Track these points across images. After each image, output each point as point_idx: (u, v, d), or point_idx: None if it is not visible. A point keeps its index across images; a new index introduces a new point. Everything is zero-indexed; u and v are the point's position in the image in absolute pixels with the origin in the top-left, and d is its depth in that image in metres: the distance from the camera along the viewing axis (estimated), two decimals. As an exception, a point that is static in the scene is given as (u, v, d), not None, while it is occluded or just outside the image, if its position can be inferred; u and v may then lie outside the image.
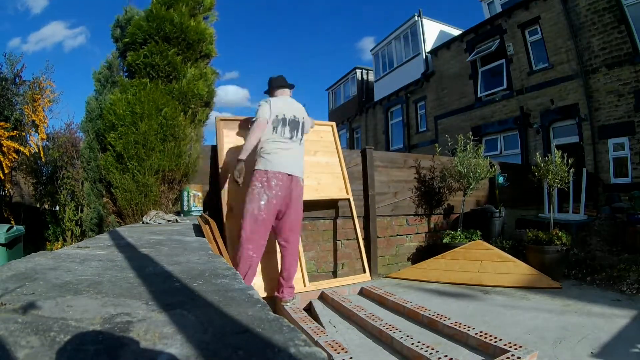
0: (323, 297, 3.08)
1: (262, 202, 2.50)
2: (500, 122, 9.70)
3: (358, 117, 16.25)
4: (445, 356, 1.81)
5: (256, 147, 2.67)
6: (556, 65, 8.25)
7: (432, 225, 4.72)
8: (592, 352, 1.98)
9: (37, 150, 5.64)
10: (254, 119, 2.68)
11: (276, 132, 2.66)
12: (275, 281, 2.91)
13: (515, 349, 1.85)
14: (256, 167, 2.59)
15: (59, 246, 5.09)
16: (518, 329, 2.34)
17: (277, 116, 2.67)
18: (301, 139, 2.82)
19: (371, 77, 16.11)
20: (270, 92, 2.93)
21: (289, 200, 2.62)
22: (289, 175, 2.60)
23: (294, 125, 2.75)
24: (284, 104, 2.78)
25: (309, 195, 3.52)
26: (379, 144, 14.14)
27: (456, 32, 12.15)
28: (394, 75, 13.78)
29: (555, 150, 4.40)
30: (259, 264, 2.95)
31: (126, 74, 3.41)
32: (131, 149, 2.91)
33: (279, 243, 2.79)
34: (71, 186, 5.91)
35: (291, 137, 2.71)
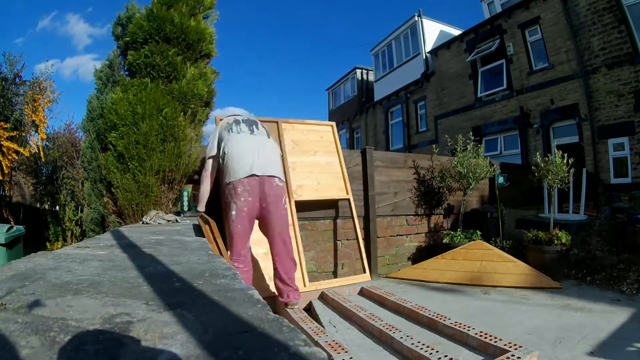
0: (323, 297, 3.08)
1: (233, 212, 2.33)
2: (500, 122, 9.70)
3: (358, 117, 16.25)
4: (445, 356, 1.81)
5: (222, 157, 2.47)
6: (556, 65, 8.25)
7: (432, 225, 4.72)
8: (592, 352, 1.98)
9: (37, 151, 5.64)
10: (206, 157, 2.56)
11: (232, 131, 2.48)
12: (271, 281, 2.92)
13: (515, 349, 1.85)
14: (224, 180, 2.39)
15: (59, 246, 5.10)
16: (518, 329, 2.34)
17: (227, 122, 2.55)
18: (266, 134, 2.62)
19: (371, 77, 16.11)
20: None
21: (265, 204, 2.37)
22: (257, 176, 2.33)
23: (250, 122, 2.59)
24: (234, 114, 2.70)
25: (309, 195, 3.53)
26: (379, 144, 14.14)
27: (456, 32, 12.15)
28: (394, 75, 13.78)
29: (556, 150, 4.40)
30: (264, 261, 2.96)
31: (127, 72, 3.41)
32: (132, 149, 2.91)
33: (270, 248, 2.59)
34: (71, 186, 5.91)
35: (251, 131, 2.51)
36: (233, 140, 2.44)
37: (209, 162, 2.54)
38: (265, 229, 2.51)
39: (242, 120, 2.59)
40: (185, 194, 3.12)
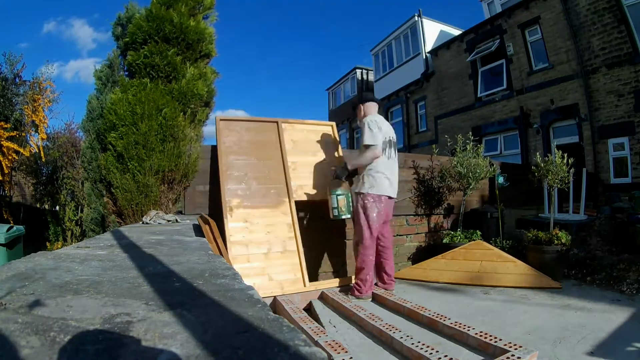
0: (323, 297, 3.07)
1: (374, 215, 2.96)
2: (500, 122, 9.70)
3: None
4: (445, 356, 1.81)
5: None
6: (556, 65, 8.25)
7: (432, 225, 4.72)
8: (592, 352, 1.98)
9: (37, 151, 5.64)
10: (367, 144, 2.93)
11: (384, 154, 3.03)
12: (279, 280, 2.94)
13: (516, 349, 1.85)
14: (367, 189, 2.97)
15: (59, 246, 5.10)
16: (518, 329, 2.34)
17: (384, 139, 3.02)
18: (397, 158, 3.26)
19: (371, 77, 16.11)
20: (362, 107, 3.22)
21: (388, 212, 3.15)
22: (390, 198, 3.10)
23: (392, 146, 3.13)
24: (386, 125, 3.13)
25: (309, 195, 3.53)
26: (379, 144, 14.12)
27: (456, 32, 12.15)
28: (394, 75, 13.78)
29: (556, 150, 4.40)
30: (264, 262, 3.02)
31: (127, 73, 3.41)
32: (132, 149, 2.91)
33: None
34: (71, 186, 5.92)
35: (390, 157, 3.11)
36: (384, 161, 3.03)
37: (379, 151, 2.96)
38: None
39: (391, 142, 3.12)
40: (339, 198, 3.20)
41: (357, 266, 3.04)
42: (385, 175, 3.00)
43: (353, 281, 3.46)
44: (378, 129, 2.97)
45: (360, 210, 2.98)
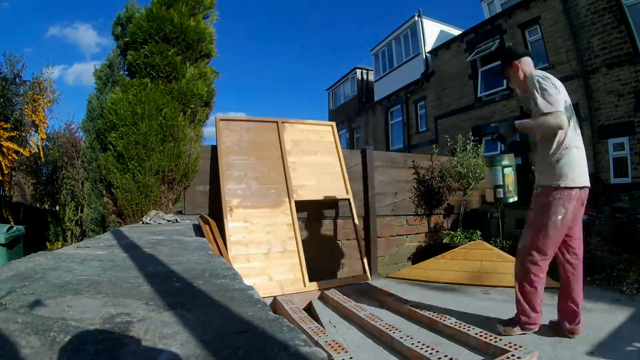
0: (323, 297, 3.08)
1: (560, 217, 2.03)
2: (500, 122, 9.69)
3: (358, 117, 16.25)
4: (445, 356, 1.81)
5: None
6: (556, 65, 8.25)
7: (432, 225, 4.72)
8: (592, 352, 1.98)
9: (37, 151, 5.64)
10: (546, 111, 1.93)
11: (570, 124, 2.01)
12: (275, 281, 2.93)
13: (515, 349, 1.85)
14: (554, 181, 2.05)
15: (59, 246, 5.10)
16: (518, 329, 2.34)
17: (566, 101, 2.03)
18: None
19: (371, 77, 16.11)
20: (519, 64, 2.23)
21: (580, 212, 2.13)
22: (588, 188, 2.13)
23: (574, 114, 2.11)
24: (561, 84, 2.09)
25: (309, 195, 3.53)
26: (379, 144, 14.14)
27: (456, 32, 12.15)
28: (394, 75, 13.78)
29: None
30: (264, 261, 2.99)
31: (127, 72, 3.41)
32: (132, 149, 2.91)
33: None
34: (71, 186, 5.92)
35: (577, 131, 2.10)
36: (574, 137, 2.04)
37: (558, 120, 1.91)
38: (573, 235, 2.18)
39: (572, 109, 2.09)
40: (505, 171, 2.16)
41: (516, 289, 2.14)
42: (577, 159, 2.04)
43: (347, 282, 3.46)
44: (554, 88, 1.99)
45: (539, 209, 2.11)
